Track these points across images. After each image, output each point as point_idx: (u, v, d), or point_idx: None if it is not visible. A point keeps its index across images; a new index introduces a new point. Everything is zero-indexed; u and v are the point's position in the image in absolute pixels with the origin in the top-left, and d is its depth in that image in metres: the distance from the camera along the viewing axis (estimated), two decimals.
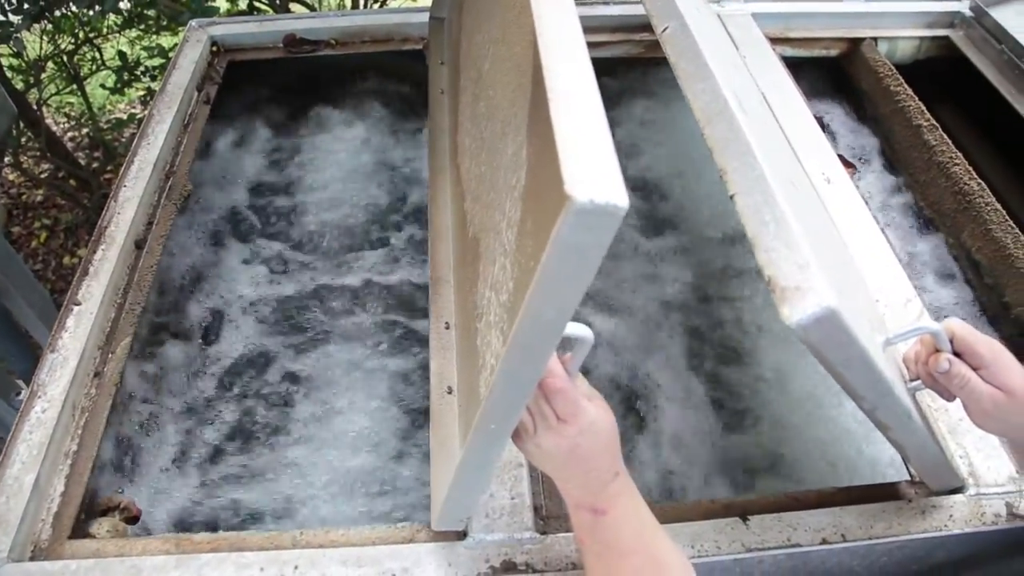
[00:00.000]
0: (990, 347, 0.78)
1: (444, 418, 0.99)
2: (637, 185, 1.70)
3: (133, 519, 1.05)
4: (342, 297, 1.45)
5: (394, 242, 1.54)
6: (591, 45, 1.89)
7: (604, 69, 1.83)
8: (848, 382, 0.68)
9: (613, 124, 1.80)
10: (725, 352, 1.40)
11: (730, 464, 1.25)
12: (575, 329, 0.65)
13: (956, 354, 0.79)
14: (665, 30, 0.84)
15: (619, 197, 0.46)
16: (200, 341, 1.36)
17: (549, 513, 0.95)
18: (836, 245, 0.99)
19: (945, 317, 1.16)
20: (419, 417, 1.27)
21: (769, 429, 1.29)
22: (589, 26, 1.73)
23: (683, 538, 0.92)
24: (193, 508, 1.15)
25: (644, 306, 1.45)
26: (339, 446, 1.23)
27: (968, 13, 1.75)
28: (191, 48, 1.66)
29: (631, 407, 1.31)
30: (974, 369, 0.78)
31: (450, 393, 1.01)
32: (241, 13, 3.06)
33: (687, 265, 1.54)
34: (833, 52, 1.82)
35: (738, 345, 1.41)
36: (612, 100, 1.86)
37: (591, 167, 0.47)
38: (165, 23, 3.02)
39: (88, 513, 1.02)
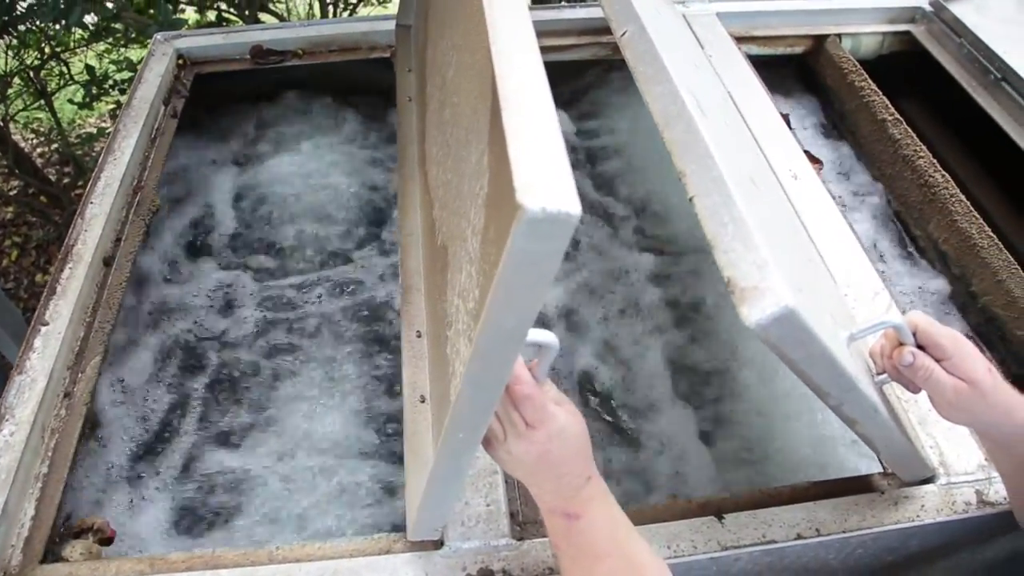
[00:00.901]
0: (952, 339, 0.79)
1: (418, 427, 0.99)
2: (601, 183, 1.71)
3: (107, 540, 1.04)
4: (316, 307, 1.44)
5: (366, 251, 1.53)
6: (558, 48, 1.89)
7: (572, 71, 1.84)
8: (811, 379, 0.68)
9: (582, 124, 1.81)
10: (702, 348, 1.41)
11: (709, 461, 1.26)
12: (539, 336, 0.65)
13: (920, 347, 0.80)
14: (624, 34, 0.85)
15: (571, 205, 0.46)
16: (171, 357, 1.35)
17: (525, 519, 0.95)
18: (800, 242, 1.00)
19: (909, 310, 1.18)
20: (396, 425, 1.26)
21: (749, 424, 1.30)
22: (556, 29, 1.74)
23: (659, 539, 0.92)
24: (169, 525, 1.14)
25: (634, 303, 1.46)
26: (316, 459, 1.22)
27: (928, 8, 1.77)
28: (157, 62, 1.65)
29: (603, 407, 1.32)
30: (938, 361, 0.79)
31: (423, 402, 1.01)
32: (210, 24, 3.05)
33: (664, 263, 1.54)
34: (798, 49, 1.84)
35: (716, 340, 1.42)
36: (577, 102, 1.87)
37: (543, 175, 0.47)
38: (134, 35, 3.00)
39: (61, 536, 1.01)
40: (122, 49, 3.15)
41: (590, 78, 1.85)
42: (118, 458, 1.19)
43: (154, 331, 1.37)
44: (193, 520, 1.16)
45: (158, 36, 1.70)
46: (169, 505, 1.17)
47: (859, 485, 1.01)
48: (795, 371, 0.67)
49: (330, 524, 1.15)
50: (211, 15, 3.12)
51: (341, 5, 3.17)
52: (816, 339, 0.61)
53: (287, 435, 1.26)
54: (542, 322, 1.43)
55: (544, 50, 1.84)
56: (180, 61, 1.69)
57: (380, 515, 1.17)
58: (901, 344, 0.80)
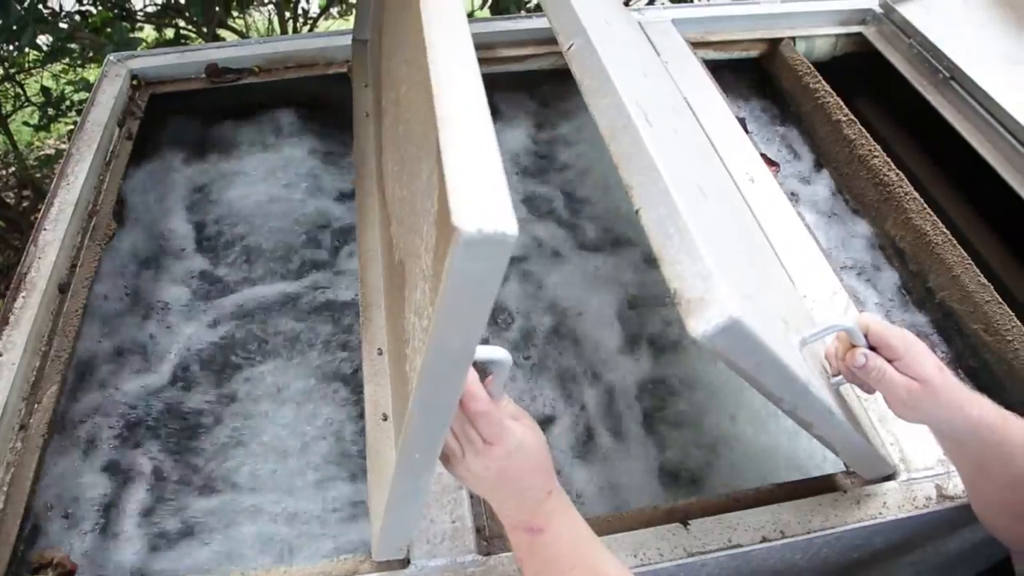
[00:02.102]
0: (903, 339, 0.80)
1: (380, 446, 0.98)
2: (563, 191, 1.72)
3: (68, 574, 1.02)
4: (276, 327, 1.42)
5: (327, 269, 1.52)
6: (517, 58, 1.89)
7: (532, 81, 1.84)
8: (763, 386, 0.69)
9: (543, 134, 1.81)
10: (666, 351, 1.42)
11: (673, 467, 1.27)
12: (490, 353, 0.65)
13: (872, 348, 0.81)
14: (570, 47, 0.85)
15: (507, 225, 0.46)
16: (131, 383, 1.33)
17: (492, 533, 0.95)
18: (754, 247, 1.01)
19: (863, 311, 1.20)
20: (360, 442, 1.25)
21: (714, 427, 1.31)
22: (514, 40, 1.75)
23: (626, 547, 0.92)
24: (132, 556, 1.12)
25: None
26: (281, 484, 1.21)
27: (878, 10, 1.80)
28: (110, 83, 1.63)
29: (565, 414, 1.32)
30: (890, 361, 0.80)
31: (385, 420, 1.00)
32: (168, 43, 3.01)
33: (630, 269, 1.55)
34: (753, 53, 1.86)
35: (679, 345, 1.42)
36: (538, 112, 1.88)
37: (479, 197, 0.47)
38: (91, 55, 2.96)
39: (18, 573, 0.98)
40: (79, 69, 3.10)
41: (550, 87, 1.86)
42: (80, 489, 1.17)
43: (113, 357, 1.35)
44: (163, 546, 1.15)
45: (111, 57, 1.68)
46: (136, 535, 1.15)
47: (823, 485, 1.02)
48: (746, 379, 0.67)
49: (297, 544, 1.14)
50: (169, 33, 3.09)
51: (301, 20, 3.15)
52: (764, 347, 0.62)
53: (258, 457, 1.24)
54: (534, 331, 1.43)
55: (503, 60, 1.85)
56: (134, 82, 1.67)
57: (350, 535, 1.16)
58: (853, 346, 0.81)
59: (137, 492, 1.19)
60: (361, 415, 1.22)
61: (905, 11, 1.72)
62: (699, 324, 0.57)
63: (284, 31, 3.05)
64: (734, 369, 0.64)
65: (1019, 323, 1.25)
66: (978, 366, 1.33)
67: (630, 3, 2.94)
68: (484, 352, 0.64)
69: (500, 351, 0.66)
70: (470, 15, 3.15)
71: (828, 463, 1.19)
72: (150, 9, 3.05)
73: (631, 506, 1.18)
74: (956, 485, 1.01)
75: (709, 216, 0.73)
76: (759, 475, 1.22)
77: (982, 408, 0.80)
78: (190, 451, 1.26)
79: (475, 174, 0.49)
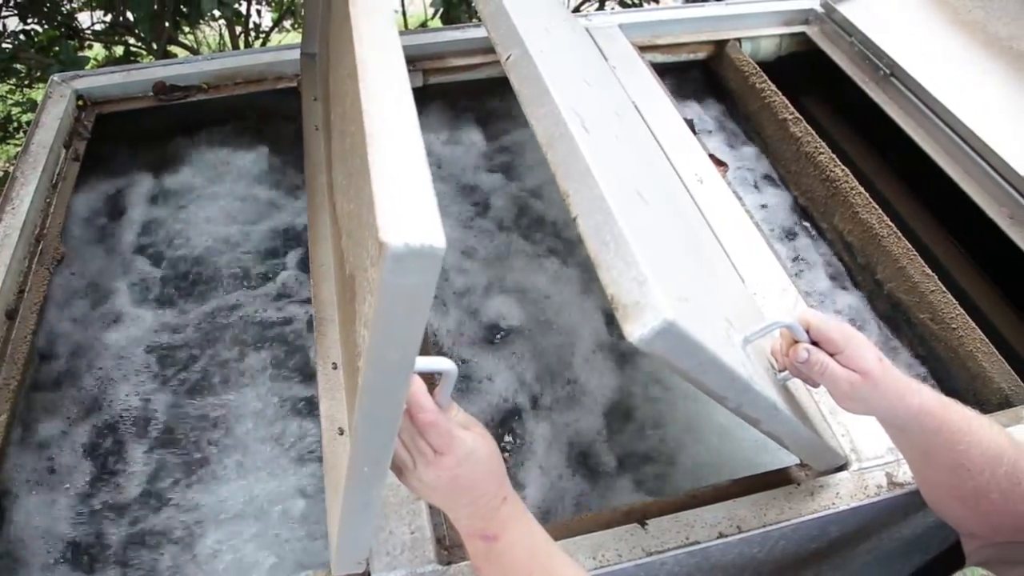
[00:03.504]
0: (843, 333, 0.82)
1: (337, 460, 0.98)
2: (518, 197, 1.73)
3: None
4: (233, 346, 1.41)
5: (282, 284, 1.51)
6: (467, 67, 1.90)
7: (483, 89, 1.85)
8: (705, 386, 0.70)
9: (495, 142, 1.82)
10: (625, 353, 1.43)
11: (634, 465, 1.28)
12: (433, 363, 0.65)
13: (815, 343, 0.83)
14: (508, 58, 0.86)
15: (435, 239, 0.46)
16: (85, 413, 1.30)
17: (452, 543, 0.95)
18: (700, 248, 1.03)
19: (813, 305, 1.22)
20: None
21: (675, 423, 1.32)
22: (464, 49, 1.75)
23: (584, 550, 0.93)
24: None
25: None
26: (242, 509, 1.20)
27: (820, 10, 1.84)
28: (54, 104, 1.60)
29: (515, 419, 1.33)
30: (831, 355, 0.82)
31: (341, 434, 1.00)
32: (118, 61, 2.98)
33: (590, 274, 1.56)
34: (701, 55, 1.89)
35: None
36: (489, 120, 1.89)
37: (406, 212, 0.47)
38: (39, 75, 2.91)
39: None
40: (26, 90, 3.05)
41: (500, 95, 1.87)
42: (31, 526, 1.15)
43: (64, 386, 1.33)
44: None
45: (54, 78, 1.65)
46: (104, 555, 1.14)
47: (778, 478, 1.04)
48: (689, 380, 0.68)
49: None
50: (119, 50, 3.05)
51: (253, 34, 3.13)
52: (703, 348, 0.63)
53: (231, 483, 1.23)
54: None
55: (454, 70, 1.86)
56: (80, 102, 1.65)
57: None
58: (796, 342, 0.83)
59: (98, 511, 1.18)
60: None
61: (846, 10, 1.76)
62: (635, 328, 0.58)
63: (236, 46, 3.02)
64: (675, 371, 0.65)
65: (963, 311, 1.29)
66: (926, 355, 1.36)
67: (581, 8, 2.97)
68: (426, 363, 0.64)
69: (444, 361, 0.66)
70: (423, 24, 3.15)
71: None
72: (98, 27, 3.01)
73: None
74: (905, 472, 1.03)
75: (648, 220, 0.75)
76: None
77: (922, 396, 0.82)
78: (156, 466, 1.25)
79: (402, 189, 0.49)
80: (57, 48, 2.62)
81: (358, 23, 0.68)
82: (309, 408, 1.31)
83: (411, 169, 0.51)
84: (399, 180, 0.50)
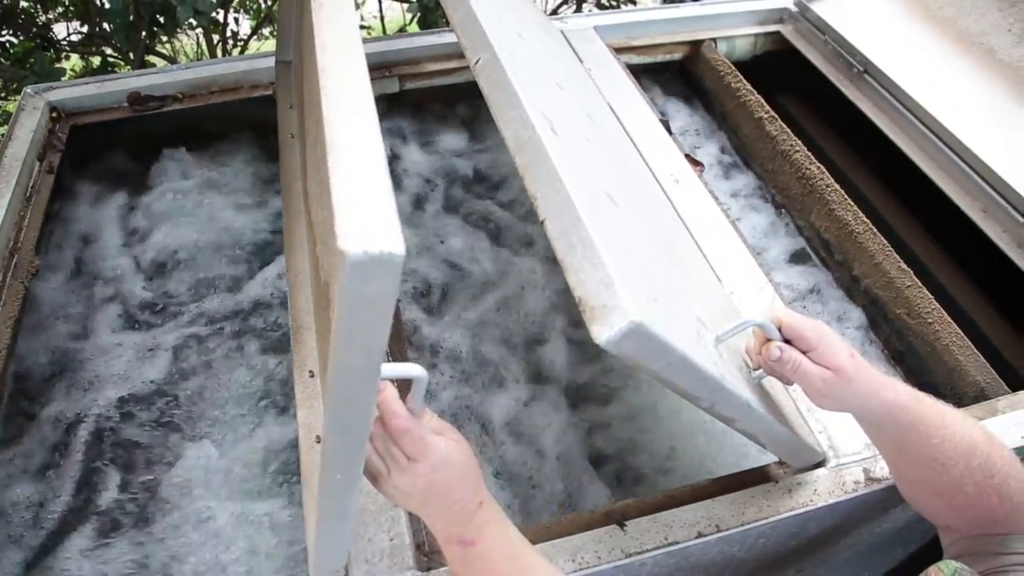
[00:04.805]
0: (815, 330, 0.82)
1: (314, 468, 0.97)
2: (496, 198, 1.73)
3: None
4: (212, 353, 1.40)
5: (260, 294, 1.50)
6: (445, 72, 1.89)
7: (461, 93, 1.85)
8: (677, 386, 0.70)
9: (475, 144, 1.82)
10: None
11: (611, 467, 1.28)
12: (402, 370, 0.65)
13: (788, 341, 0.83)
14: (477, 62, 0.86)
15: (394, 245, 0.46)
16: (63, 431, 1.29)
17: (432, 548, 0.95)
18: (673, 248, 1.03)
19: (791, 302, 1.22)
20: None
21: (660, 423, 1.33)
22: (440, 54, 1.75)
23: (563, 553, 0.93)
24: None
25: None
26: (218, 531, 1.19)
27: (794, 9, 1.86)
28: (27, 117, 1.59)
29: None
30: (804, 353, 0.82)
31: (319, 442, 1.00)
32: (95, 72, 2.96)
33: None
34: (677, 56, 1.90)
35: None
36: (469, 123, 1.89)
37: (364, 219, 0.47)
38: (15, 87, 2.89)
39: None
40: (1, 102, 3.03)
41: (477, 99, 1.87)
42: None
43: (39, 402, 1.31)
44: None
45: (27, 90, 1.64)
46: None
47: (756, 476, 1.05)
48: (660, 381, 0.68)
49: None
50: (96, 61, 3.03)
51: (231, 42, 3.12)
52: (672, 348, 0.63)
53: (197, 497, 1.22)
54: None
55: (430, 75, 1.85)
56: (54, 114, 1.64)
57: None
58: (768, 340, 0.83)
59: (74, 514, 1.17)
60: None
61: (819, 9, 1.78)
62: (603, 330, 0.58)
63: (213, 54, 3.01)
64: (645, 372, 0.65)
65: (939, 306, 1.30)
66: (904, 349, 1.37)
67: (559, 11, 2.97)
68: (395, 369, 0.64)
69: (414, 367, 0.66)
70: (402, 29, 3.15)
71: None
72: (75, 37, 2.99)
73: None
74: (882, 468, 1.04)
75: (618, 222, 0.75)
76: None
77: (896, 391, 0.83)
78: (137, 474, 1.23)
79: (361, 196, 0.49)
80: (32, 60, 2.61)
81: (320, 31, 0.68)
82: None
83: (370, 176, 0.51)
84: (358, 188, 0.50)
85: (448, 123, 1.88)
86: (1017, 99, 1.48)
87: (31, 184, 1.50)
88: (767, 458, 1.09)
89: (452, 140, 1.83)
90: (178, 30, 3.02)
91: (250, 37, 3.20)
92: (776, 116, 1.65)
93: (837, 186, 1.50)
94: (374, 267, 0.46)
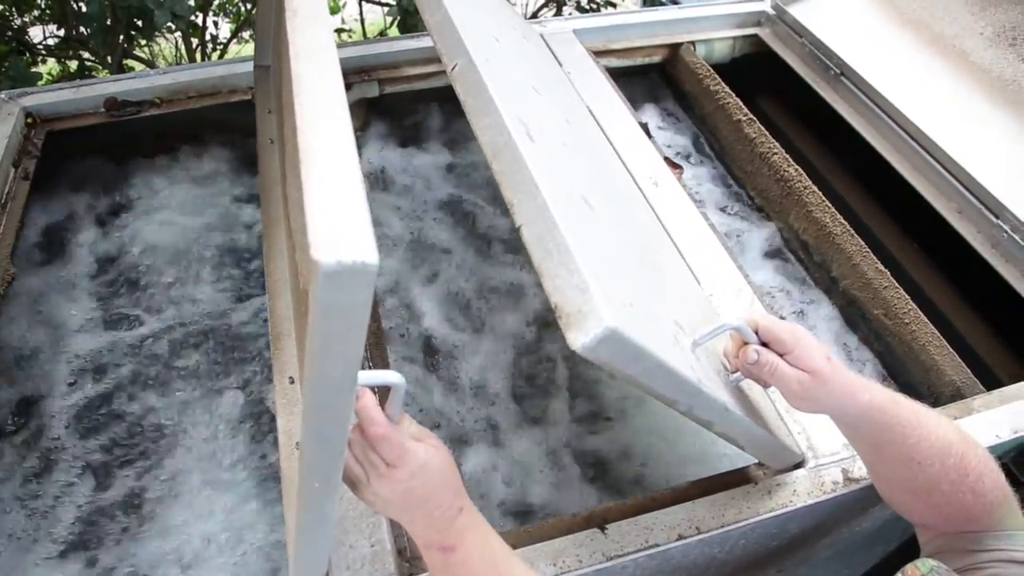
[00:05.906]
0: (792, 333, 0.82)
1: (295, 475, 0.97)
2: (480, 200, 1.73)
3: None
4: (188, 362, 1.39)
5: (239, 299, 1.50)
6: (423, 76, 1.89)
7: (440, 97, 1.85)
8: (654, 390, 0.71)
9: (454, 149, 1.82)
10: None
11: (597, 467, 1.28)
12: (380, 377, 0.65)
13: (764, 344, 0.84)
14: (454, 67, 0.86)
15: (367, 255, 0.46)
16: (40, 440, 1.28)
17: (413, 554, 0.95)
18: (652, 252, 1.03)
19: (770, 304, 1.23)
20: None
21: (640, 424, 1.33)
22: (420, 58, 1.75)
23: (544, 557, 0.93)
24: None
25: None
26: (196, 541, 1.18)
27: (771, 12, 1.87)
28: (2, 122, 1.57)
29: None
30: (781, 355, 0.83)
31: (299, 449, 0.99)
32: (72, 76, 2.93)
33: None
34: (656, 59, 1.91)
35: None
36: (447, 127, 1.88)
37: (338, 228, 0.47)
38: None
39: None
40: None
41: (457, 103, 1.87)
42: None
43: (13, 411, 1.30)
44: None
45: (1, 95, 1.62)
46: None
47: (736, 478, 1.05)
48: (636, 385, 0.68)
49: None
50: (73, 65, 3.00)
51: (211, 45, 3.10)
52: (647, 353, 0.63)
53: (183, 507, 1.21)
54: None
55: (410, 79, 1.84)
56: (29, 119, 1.62)
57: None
58: (745, 343, 0.84)
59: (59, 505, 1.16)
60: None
61: (796, 12, 1.79)
62: (578, 336, 0.59)
63: (192, 58, 2.99)
64: (622, 377, 0.66)
65: (915, 306, 1.31)
66: (882, 350, 1.38)
67: (538, 15, 2.98)
68: (372, 377, 0.64)
69: (392, 375, 0.66)
70: (382, 33, 3.14)
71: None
72: (51, 41, 2.96)
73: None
74: (860, 468, 1.04)
75: (595, 227, 0.75)
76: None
77: (872, 392, 0.84)
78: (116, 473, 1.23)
79: (334, 206, 0.49)
80: (7, 64, 2.58)
81: (295, 38, 0.68)
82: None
83: (344, 185, 0.51)
84: (331, 196, 0.50)
85: (428, 126, 1.87)
86: (990, 101, 1.50)
87: (6, 191, 1.48)
88: (746, 460, 1.10)
89: (432, 145, 1.83)
90: (156, 34, 3.00)
91: (229, 41, 3.18)
92: (754, 118, 1.67)
93: (815, 188, 1.51)
94: (348, 277, 0.46)
